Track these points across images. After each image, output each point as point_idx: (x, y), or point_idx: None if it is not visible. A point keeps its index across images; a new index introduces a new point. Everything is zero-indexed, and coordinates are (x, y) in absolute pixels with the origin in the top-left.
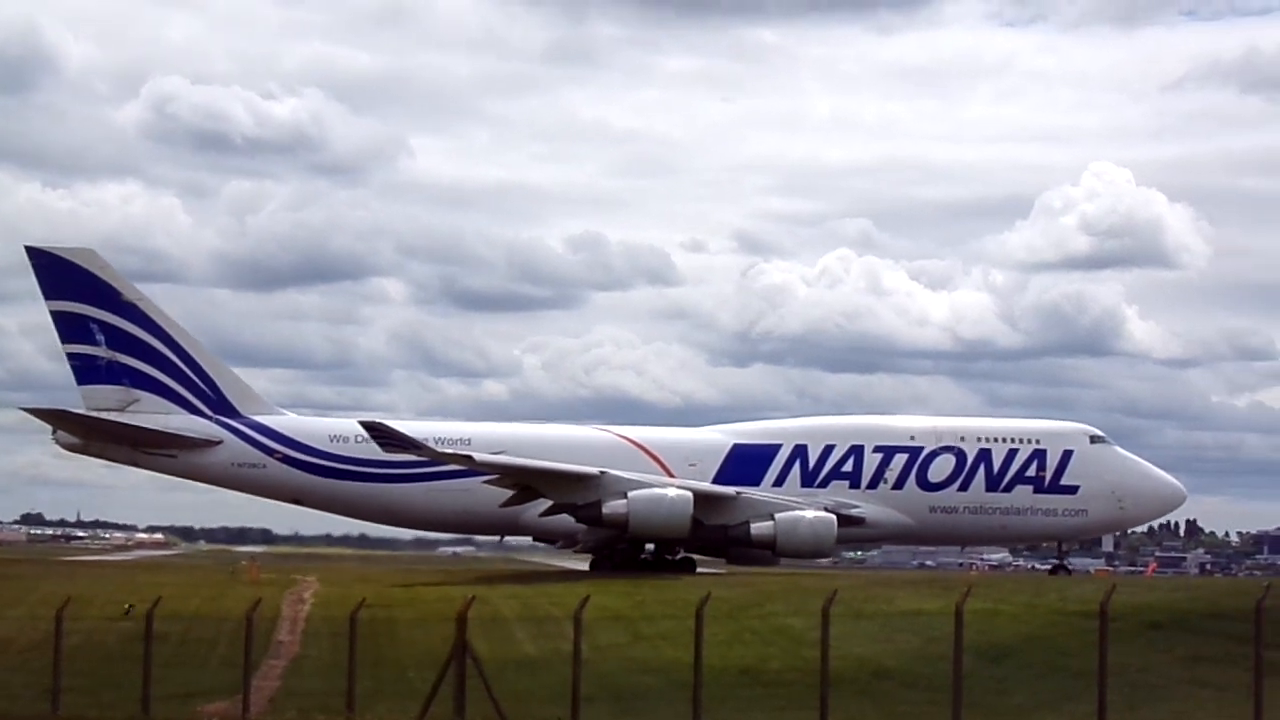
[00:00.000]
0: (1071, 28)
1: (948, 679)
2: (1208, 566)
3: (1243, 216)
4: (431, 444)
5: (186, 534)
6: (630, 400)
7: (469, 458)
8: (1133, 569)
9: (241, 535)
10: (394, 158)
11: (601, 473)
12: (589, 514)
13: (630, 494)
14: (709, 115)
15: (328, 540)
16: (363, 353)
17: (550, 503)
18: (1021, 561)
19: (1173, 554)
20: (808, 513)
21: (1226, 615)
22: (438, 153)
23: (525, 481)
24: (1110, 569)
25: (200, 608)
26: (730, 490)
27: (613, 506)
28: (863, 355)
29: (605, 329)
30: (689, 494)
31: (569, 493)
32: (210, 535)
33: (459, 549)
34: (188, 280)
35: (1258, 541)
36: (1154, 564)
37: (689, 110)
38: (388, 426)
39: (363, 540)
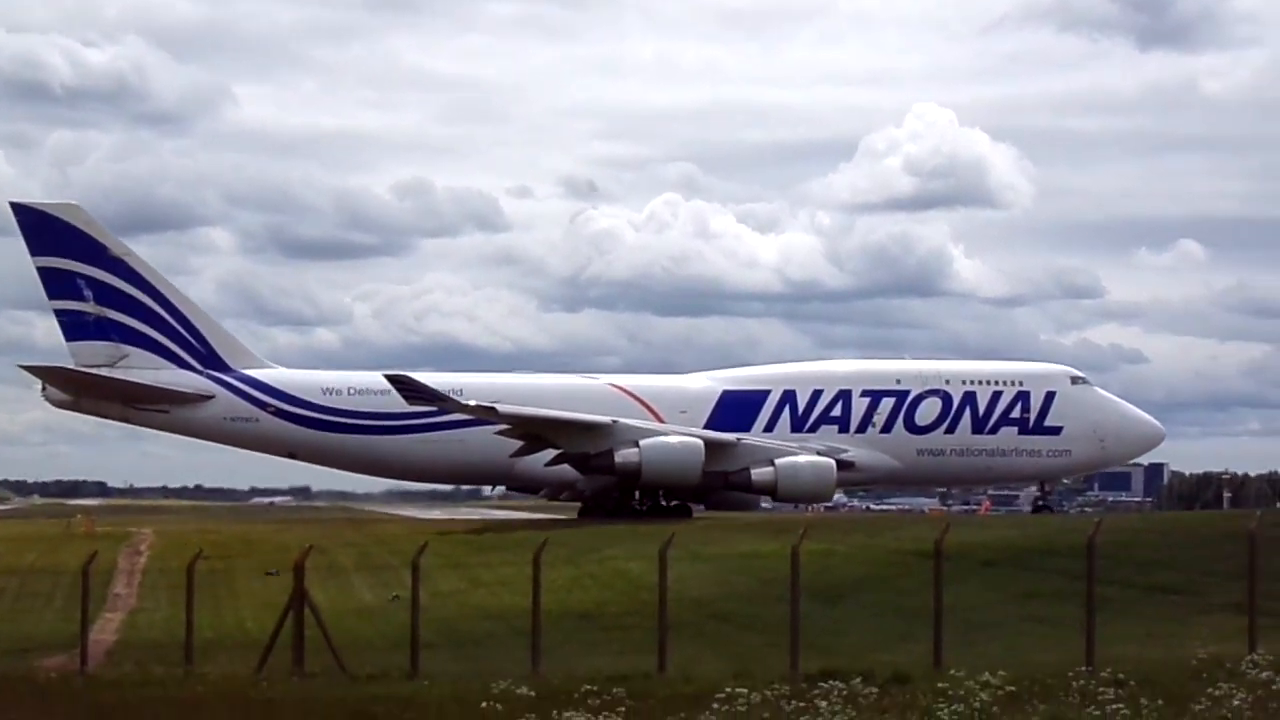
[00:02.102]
0: None
1: (785, 620)
2: (1040, 503)
3: (1066, 156)
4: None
5: (19, 488)
6: (462, 346)
7: (492, 409)
8: (966, 507)
9: (76, 488)
10: (219, 106)
11: (614, 421)
12: (601, 463)
13: (642, 442)
14: (534, 60)
15: (164, 492)
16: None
17: (556, 452)
18: (857, 502)
19: (1005, 492)
20: (807, 457)
21: (1059, 552)
22: (263, 101)
23: (538, 431)
24: (944, 508)
25: (35, 562)
26: (731, 437)
27: (625, 455)
28: (693, 299)
29: (435, 276)
30: (700, 442)
31: (581, 442)
32: (44, 489)
33: (276, 499)
34: (12, 232)
35: (1088, 478)
36: (987, 503)
37: (514, 55)
38: (413, 380)
39: (199, 491)
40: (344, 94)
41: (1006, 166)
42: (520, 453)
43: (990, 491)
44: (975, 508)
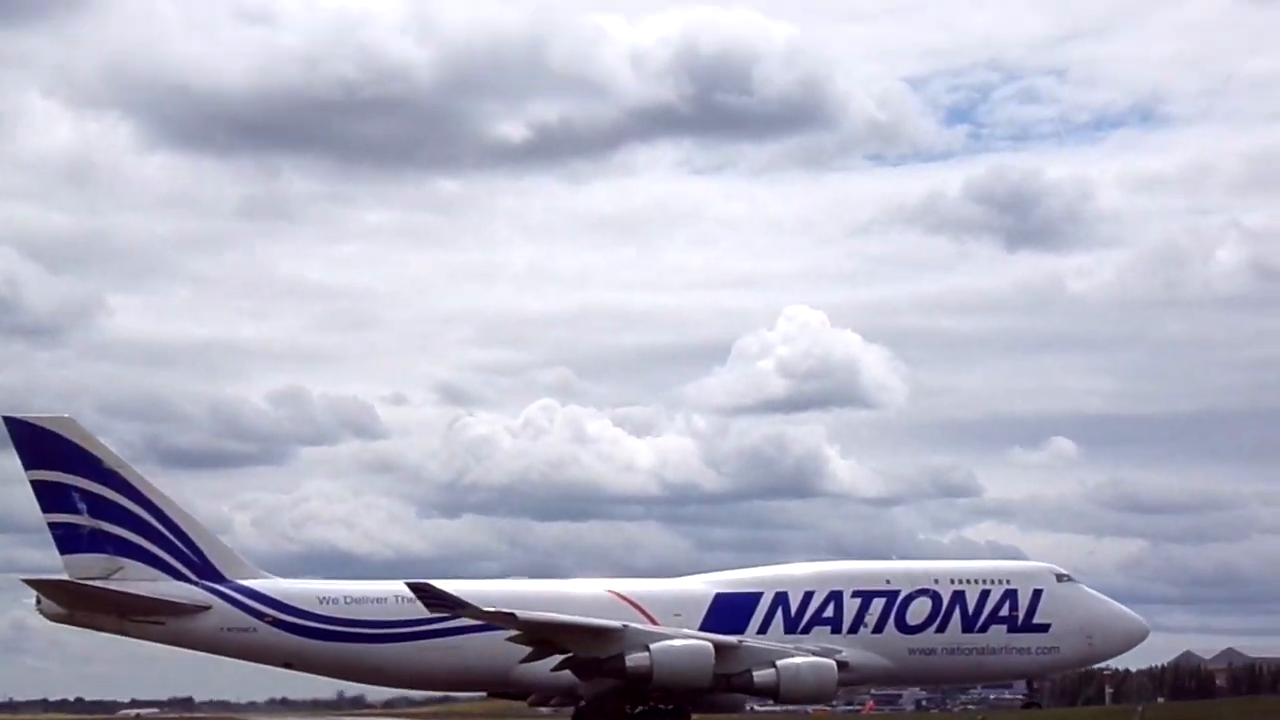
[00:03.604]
0: (759, 174)
1: None
2: (923, 703)
3: (938, 355)
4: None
5: None
6: (342, 554)
7: (511, 615)
8: (850, 707)
9: None
10: (93, 317)
11: (625, 626)
12: (612, 667)
13: (653, 646)
14: (408, 268)
15: (44, 705)
16: None
17: (563, 657)
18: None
19: (889, 691)
20: (808, 659)
21: None
22: (137, 311)
23: (550, 636)
24: (829, 708)
25: None
26: (733, 639)
27: (636, 659)
28: (572, 503)
29: (314, 484)
30: (709, 645)
31: (592, 647)
32: None
33: (143, 711)
34: None
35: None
36: (870, 702)
37: (388, 263)
38: (435, 588)
39: (79, 705)
40: (218, 303)
41: (880, 367)
42: (530, 658)
43: (873, 691)
44: (859, 708)
